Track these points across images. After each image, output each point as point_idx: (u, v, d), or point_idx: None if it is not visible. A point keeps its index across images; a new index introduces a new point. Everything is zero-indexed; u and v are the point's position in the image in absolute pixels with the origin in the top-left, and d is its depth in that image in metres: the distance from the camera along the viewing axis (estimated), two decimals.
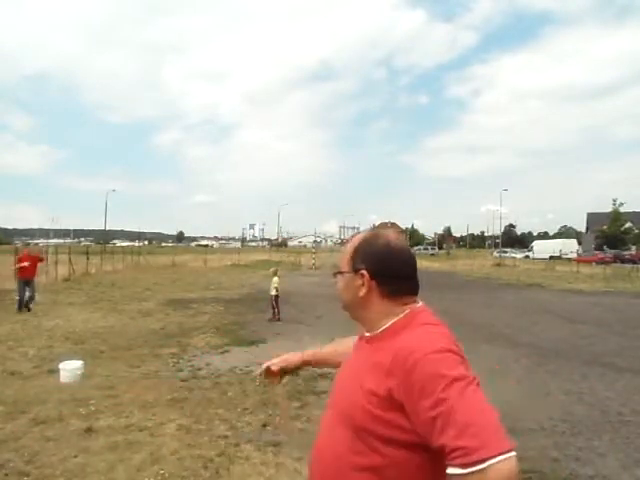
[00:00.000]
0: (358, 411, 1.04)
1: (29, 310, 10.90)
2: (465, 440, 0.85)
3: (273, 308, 10.40)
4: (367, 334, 1.19)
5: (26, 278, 11.11)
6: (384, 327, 1.13)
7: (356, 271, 1.17)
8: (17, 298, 11.13)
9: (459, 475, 0.85)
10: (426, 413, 0.92)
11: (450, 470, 0.87)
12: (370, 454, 1.02)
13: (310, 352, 1.58)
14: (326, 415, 1.20)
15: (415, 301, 1.17)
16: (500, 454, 0.84)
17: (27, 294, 11.19)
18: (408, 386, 0.96)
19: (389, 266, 1.15)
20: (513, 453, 0.86)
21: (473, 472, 0.84)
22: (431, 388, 0.92)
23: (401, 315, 1.13)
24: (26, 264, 11.24)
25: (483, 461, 0.83)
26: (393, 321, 1.13)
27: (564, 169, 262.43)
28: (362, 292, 1.15)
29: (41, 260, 12.28)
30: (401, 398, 0.97)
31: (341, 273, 1.22)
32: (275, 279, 10.72)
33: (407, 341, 1.03)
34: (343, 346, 1.46)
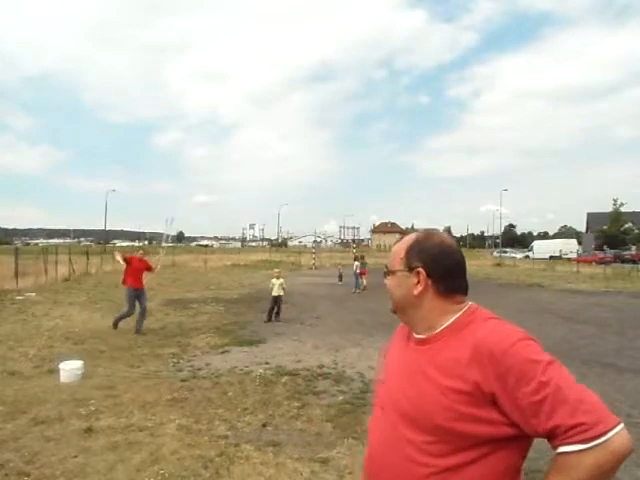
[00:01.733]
0: (439, 411, 1.02)
1: (140, 333, 8.52)
2: (581, 416, 0.90)
3: (272, 309, 10.30)
4: (419, 335, 1.17)
5: (137, 287, 8.89)
6: (445, 325, 1.12)
7: (411, 269, 1.16)
8: (124, 311, 8.95)
9: (579, 451, 0.90)
10: (528, 399, 0.93)
11: (567, 448, 0.91)
12: (451, 454, 1.00)
13: None
14: (381, 421, 1.16)
15: (466, 300, 1.17)
16: (616, 426, 0.90)
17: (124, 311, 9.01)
18: (501, 375, 0.96)
19: (444, 265, 1.15)
20: (623, 425, 0.92)
21: (594, 446, 0.89)
22: (530, 374, 0.94)
23: (459, 313, 1.13)
24: (138, 267, 8.97)
25: (604, 434, 0.89)
26: (454, 318, 1.12)
27: (564, 169, 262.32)
28: (417, 290, 1.15)
29: (149, 269, 9.33)
30: (492, 389, 0.97)
31: (393, 272, 1.20)
32: (281, 280, 10.53)
33: (484, 334, 1.03)
34: None
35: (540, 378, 0.94)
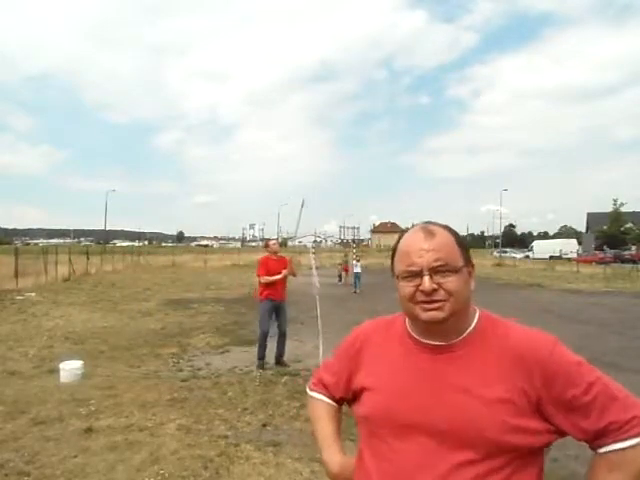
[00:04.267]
0: (486, 426, 0.93)
1: (282, 364, 6.32)
2: (633, 410, 0.93)
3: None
4: (436, 342, 1.02)
5: (276, 300, 6.24)
6: (468, 330, 1.02)
7: (470, 264, 1.04)
8: (262, 335, 6.26)
9: (635, 445, 0.92)
10: (579, 400, 0.93)
11: (623, 444, 0.92)
12: (500, 470, 0.94)
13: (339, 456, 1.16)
14: (405, 446, 0.98)
15: None
16: None
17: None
18: (548, 379, 0.93)
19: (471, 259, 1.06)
20: None
21: None
22: (577, 376, 0.94)
23: (476, 316, 1.05)
24: (277, 277, 6.17)
25: None
26: (474, 322, 1.04)
27: (564, 169, 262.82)
28: (473, 286, 1.04)
29: (292, 274, 6.51)
30: (539, 395, 0.93)
31: (459, 270, 1.00)
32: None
33: (521, 338, 0.99)
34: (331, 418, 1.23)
35: (588, 379, 0.94)
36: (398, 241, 1.09)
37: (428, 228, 1.03)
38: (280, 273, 6.17)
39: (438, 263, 0.98)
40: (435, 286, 0.97)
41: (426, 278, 0.97)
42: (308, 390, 1.30)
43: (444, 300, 0.97)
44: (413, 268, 0.99)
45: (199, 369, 6.18)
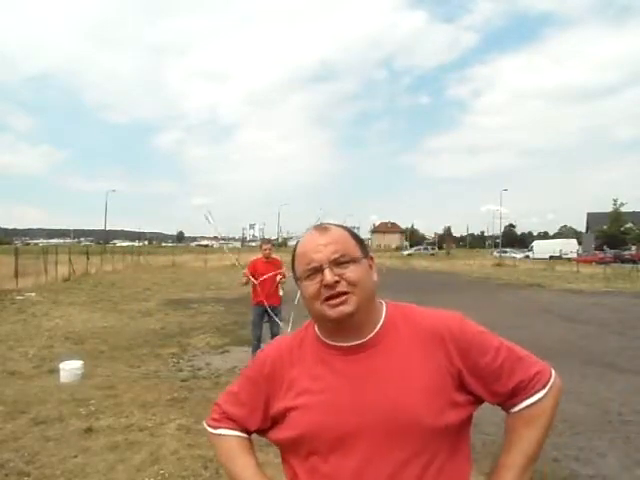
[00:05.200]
0: (425, 413, 0.91)
1: None
2: (535, 366, 1.01)
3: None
4: (350, 343, 0.99)
5: (266, 305, 6.10)
6: (380, 323, 1.02)
7: (367, 255, 1.04)
8: (254, 342, 6.25)
9: (542, 397, 0.99)
10: (490, 366, 0.98)
11: (532, 399, 0.99)
12: (441, 453, 0.94)
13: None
14: (355, 455, 0.93)
15: None
16: (551, 367, 1.05)
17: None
18: (463, 352, 0.97)
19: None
20: None
21: (551, 387, 1.00)
22: (485, 344, 1.00)
23: (384, 307, 1.06)
24: (266, 276, 6.09)
25: (551, 375, 1.02)
26: (384, 314, 1.04)
27: (564, 169, 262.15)
28: (375, 276, 1.04)
29: (280, 273, 6.25)
30: (458, 367, 0.97)
31: (357, 260, 1.00)
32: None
33: (432, 317, 1.02)
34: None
35: (494, 344, 1.00)
36: (295, 248, 1.08)
37: (321, 226, 1.06)
38: (267, 276, 6.09)
39: (336, 255, 0.98)
40: (337, 278, 0.96)
41: (327, 271, 0.96)
42: (209, 428, 1.13)
43: (348, 292, 0.96)
44: (313, 264, 0.98)
45: (199, 369, 6.18)
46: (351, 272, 0.97)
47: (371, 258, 1.05)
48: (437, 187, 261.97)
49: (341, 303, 0.96)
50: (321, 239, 1.01)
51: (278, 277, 6.19)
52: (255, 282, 6.07)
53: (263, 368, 1.08)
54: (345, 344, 1.00)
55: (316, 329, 1.06)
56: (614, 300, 15.41)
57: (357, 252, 1.01)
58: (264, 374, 1.07)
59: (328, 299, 0.96)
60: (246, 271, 6.17)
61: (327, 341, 1.02)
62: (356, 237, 1.05)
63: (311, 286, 0.98)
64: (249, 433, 1.11)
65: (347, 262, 0.98)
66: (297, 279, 1.05)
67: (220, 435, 1.11)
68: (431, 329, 0.99)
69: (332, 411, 0.96)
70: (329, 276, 0.96)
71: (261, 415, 1.07)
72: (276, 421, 1.05)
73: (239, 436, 1.10)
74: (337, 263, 0.97)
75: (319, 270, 0.98)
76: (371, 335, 1.00)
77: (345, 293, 0.96)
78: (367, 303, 0.99)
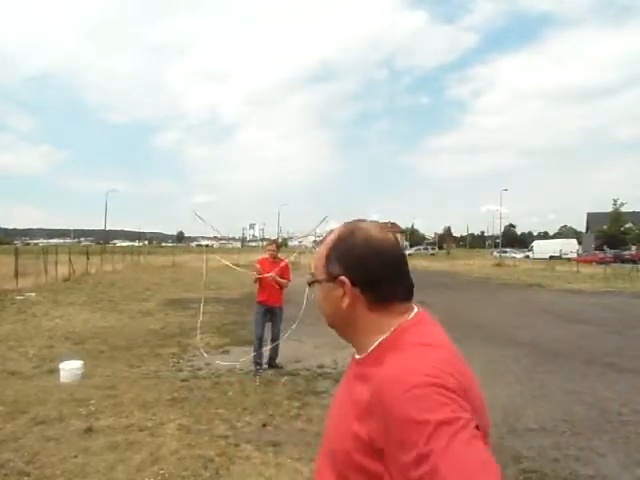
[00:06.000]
0: (340, 454, 0.85)
1: (275, 367, 6.28)
2: None
3: None
4: (357, 356, 0.95)
5: (269, 304, 6.21)
6: (373, 346, 0.90)
7: (334, 278, 0.92)
8: (256, 341, 6.24)
9: None
10: (408, 472, 0.70)
11: None
12: None
13: None
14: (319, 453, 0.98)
15: (409, 309, 0.93)
16: None
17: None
18: (387, 434, 0.75)
19: (372, 268, 0.90)
20: None
21: None
22: (412, 439, 0.70)
23: (387, 333, 0.90)
24: (269, 275, 6.07)
25: None
26: (379, 340, 0.90)
27: (564, 169, 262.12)
28: (345, 303, 0.92)
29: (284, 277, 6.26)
30: (382, 446, 0.77)
31: (318, 281, 0.97)
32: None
33: (387, 371, 0.81)
34: None
35: (422, 449, 0.69)
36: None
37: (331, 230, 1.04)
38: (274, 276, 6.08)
39: (310, 271, 1.00)
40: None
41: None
42: None
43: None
44: None
45: (199, 369, 6.18)
46: (314, 293, 0.98)
47: (341, 282, 0.91)
48: (437, 187, 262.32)
49: None
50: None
51: (284, 281, 6.22)
52: (270, 275, 6.03)
53: None
54: (356, 356, 0.96)
55: None
56: (614, 300, 15.41)
57: (321, 274, 0.97)
58: None
59: None
60: (258, 266, 6.16)
61: None
62: (331, 252, 0.95)
63: None
64: None
65: (313, 281, 0.99)
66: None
67: None
68: (375, 385, 0.81)
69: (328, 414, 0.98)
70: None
71: None
72: None
73: None
74: (309, 280, 1.01)
75: None
76: (361, 356, 0.93)
77: None
78: (339, 326, 0.97)
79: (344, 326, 0.96)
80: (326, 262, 0.96)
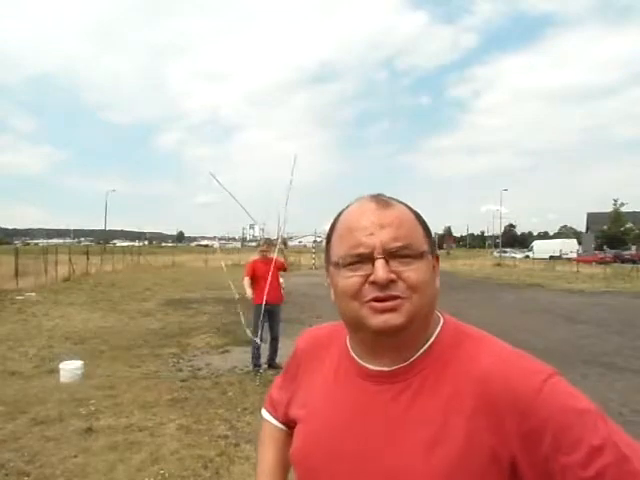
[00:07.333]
0: None
1: (274, 367, 6.06)
2: None
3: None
4: (379, 367, 0.71)
5: (268, 303, 6.11)
6: (424, 348, 0.71)
7: (434, 254, 0.73)
8: (254, 342, 6.18)
9: None
10: (578, 473, 0.57)
11: None
12: None
13: None
14: None
15: None
16: None
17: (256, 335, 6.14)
18: (530, 433, 0.60)
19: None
20: None
21: None
22: (576, 432, 0.59)
23: (438, 326, 0.73)
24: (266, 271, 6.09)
25: None
26: (434, 336, 0.72)
27: (564, 169, 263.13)
28: (438, 282, 0.73)
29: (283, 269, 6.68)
30: (513, 452, 0.60)
31: (421, 255, 0.69)
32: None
33: (493, 364, 0.65)
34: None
35: (592, 441, 0.58)
36: (337, 218, 0.76)
37: (381, 198, 0.73)
38: (268, 274, 6.02)
39: (397, 244, 0.67)
40: (393, 276, 0.66)
41: (380, 263, 0.66)
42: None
43: (404, 297, 0.66)
44: (361, 250, 0.68)
45: (199, 369, 6.18)
46: (413, 271, 0.67)
47: (436, 257, 0.74)
48: (437, 187, 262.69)
49: (390, 310, 0.66)
50: (378, 216, 0.69)
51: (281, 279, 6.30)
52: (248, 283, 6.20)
53: (295, 357, 0.91)
54: (374, 367, 0.72)
55: (347, 339, 0.79)
56: (614, 300, 15.41)
57: (424, 245, 0.70)
58: (295, 364, 0.90)
59: (373, 301, 0.67)
60: (246, 280, 6.21)
61: (355, 358, 0.76)
62: (425, 225, 0.74)
63: (352, 278, 0.68)
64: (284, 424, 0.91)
65: (409, 257, 0.67)
66: (332, 263, 0.72)
67: (263, 417, 0.98)
68: (488, 382, 0.64)
69: (320, 443, 0.73)
70: (382, 271, 0.66)
71: (283, 410, 0.90)
72: (290, 426, 0.87)
73: (272, 424, 0.94)
74: (396, 255, 0.67)
75: (368, 259, 0.67)
76: (409, 361, 0.70)
77: (398, 298, 0.66)
78: (423, 317, 0.69)
79: (429, 315, 0.72)
80: (425, 233, 0.73)
